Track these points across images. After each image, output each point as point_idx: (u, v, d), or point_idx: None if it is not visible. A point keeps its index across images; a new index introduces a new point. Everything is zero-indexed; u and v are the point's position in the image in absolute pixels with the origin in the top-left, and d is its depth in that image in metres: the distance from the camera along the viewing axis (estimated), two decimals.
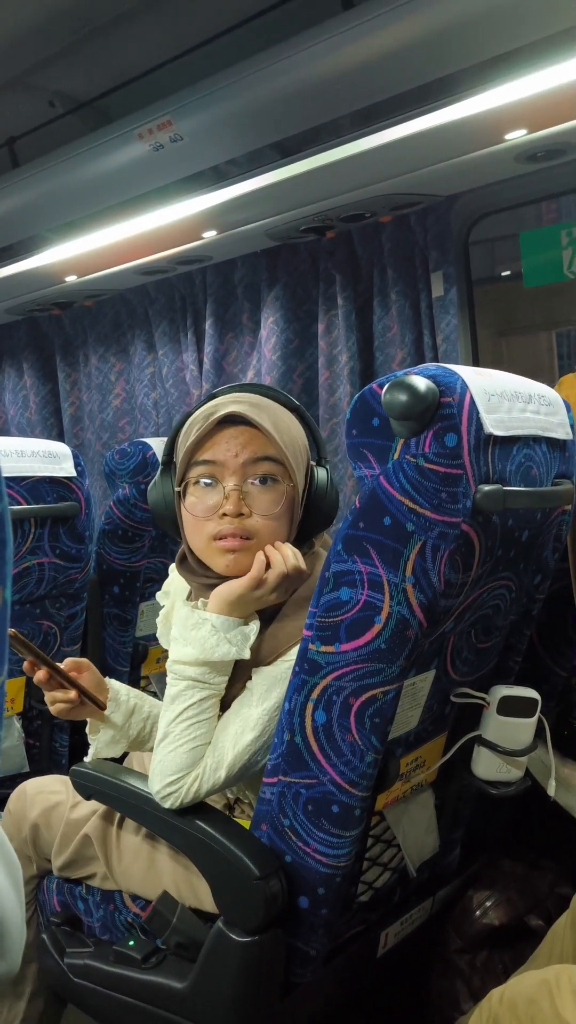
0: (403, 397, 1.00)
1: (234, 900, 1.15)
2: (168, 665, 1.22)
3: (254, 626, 1.20)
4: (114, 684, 1.36)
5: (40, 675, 1.28)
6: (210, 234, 2.28)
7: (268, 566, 1.19)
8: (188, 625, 1.19)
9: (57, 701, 1.30)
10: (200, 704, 1.19)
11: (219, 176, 1.97)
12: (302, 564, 1.20)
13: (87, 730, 1.37)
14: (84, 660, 1.35)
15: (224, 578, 1.21)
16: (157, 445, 2.23)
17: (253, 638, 1.19)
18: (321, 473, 1.28)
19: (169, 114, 1.84)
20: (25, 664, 1.28)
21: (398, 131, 1.72)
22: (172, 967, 1.22)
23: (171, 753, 1.18)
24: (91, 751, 1.36)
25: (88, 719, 1.36)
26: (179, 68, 1.99)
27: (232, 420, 1.21)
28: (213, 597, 1.20)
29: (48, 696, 1.31)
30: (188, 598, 1.29)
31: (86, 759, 1.36)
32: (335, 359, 2.38)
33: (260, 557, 1.19)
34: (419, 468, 1.02)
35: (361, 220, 2.20)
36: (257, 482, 1.21)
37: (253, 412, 1.20)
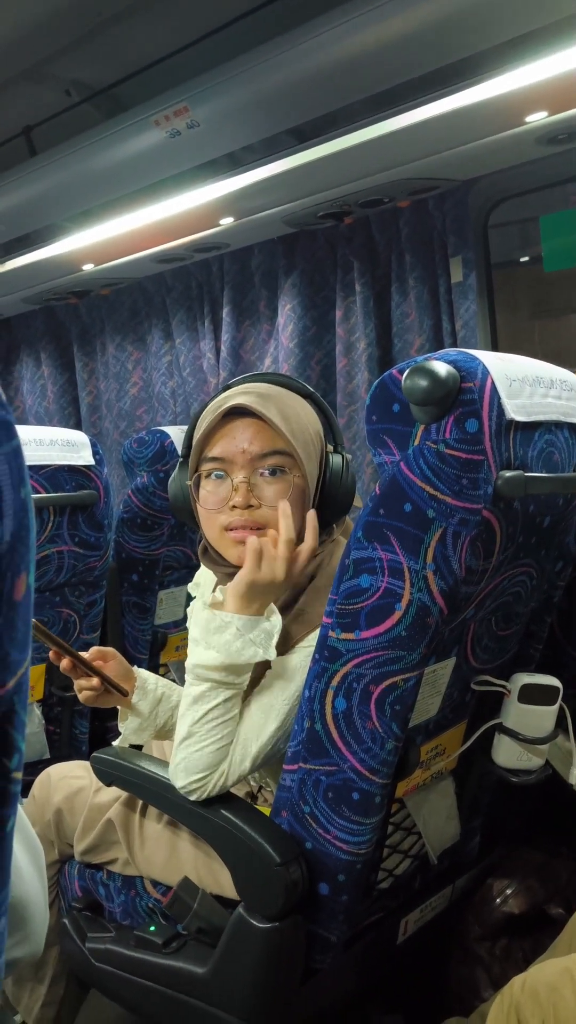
0: (424, 382, 0.99)
1: (254, 886, 1.15)
2: (189, 667, 1.19)
3: (276, 621, 1.17)
4: (142, 673, 1.37)
5: (64, 663, 1.29)
6: (227, 221, 2.27)
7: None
8: (210, 629, 1.17)
9: (83, 689, 1.32)
10: (225, 704, 1.17)
11: (236, 162, 1.96)
12: (291, 532, 1.17)
13: (119, 717, 1.39)
14: (110, 649, 1.36)
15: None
16: (175, 433, 2.23)
17: (277, 635, 1.16)
18: (336, 460, 1.28)
19: (185, 100, 1.82)
20: (51, 653, 1.29)
21: (416, 115, 1.70)
22: (193, 952, 1.22)
23: (197, 752, 1.16)
24: (121, 738, 1.38)
25: (119, 707, 1.37)
26: (195, 54, 1.98)
27: (241, 412, 1.22)
28: (228, 596, 1.19)
29: (75, 684, 1.33)
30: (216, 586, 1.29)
31: (115, 743, 1.37)
32: (353, 346, 2.37)
33: (250, 540, 1.17)
34: (440, 454, 1.01)
35: (379, 205, 2.18)
36: (266, 473, 1.21)
37: (259, 403, 1.20)
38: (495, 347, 2.22)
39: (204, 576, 1.37)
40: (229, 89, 1.78)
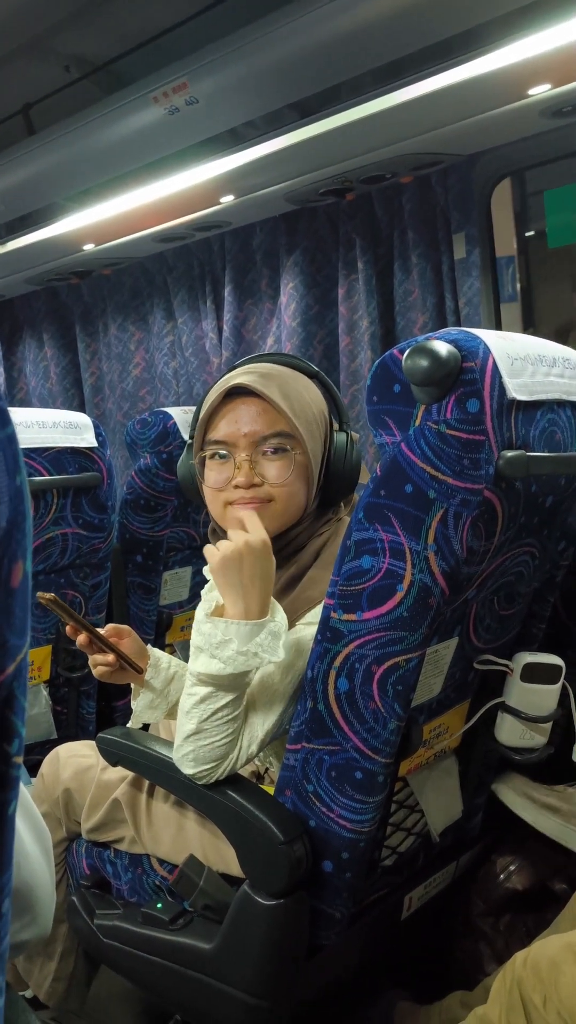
0: (424, 362, 0.98)
1: (259, 864, 1.17)
2: (193, 673, 1.15)
3: (281, 620, 1.14)
4: (156, 652, 1.39)
5: (81, 639, 1.30)
6: (228, 199, 2.25)
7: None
8: (215, 643, 1.12)
9: (98, 664, 1.33)
10: (234, 702, 1.15)
11: (236, 138, 1.94)
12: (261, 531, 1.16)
13: (131, 695, 1.40)
14: (125, 627, 1.37)
15: None
16: (178, 414, 2.22)
17: (284, 634, 1.13)
18: (341, 438, 1.28)
19: (185, 76, 1.80)
20: (68, 629, 1.31)
21: (419, 88, 1.68)
22: (199, 928, 1.24)
23: (206, 746, 1.15)
24: (133, 715, 1.39)
25: (132, 684, 1.38)
26: (194, 29, 1.95)
27: (243, 392, 1.22)
28: (220, 590, 1.15)
29: (91, 660, 1.34)
30: None
31: (131, 723, 1.38)
32: (356, 324, 2.36)
33: (231, 510, 1.21)
34: (441, 434, 1.00)
35: (381, 181, 2.16)
36: (269, 452, 1.22)
37: (261, 383, 1.21)
38: (498, 325, 2.20)
39: None
40: (229, 64, 1.76)
